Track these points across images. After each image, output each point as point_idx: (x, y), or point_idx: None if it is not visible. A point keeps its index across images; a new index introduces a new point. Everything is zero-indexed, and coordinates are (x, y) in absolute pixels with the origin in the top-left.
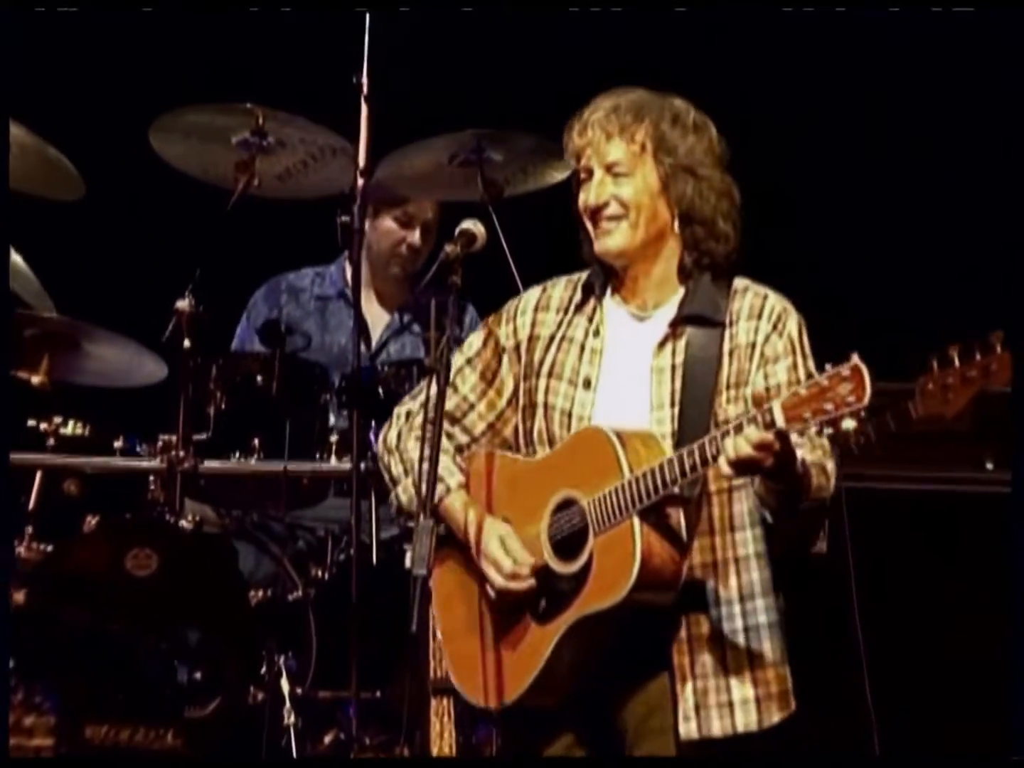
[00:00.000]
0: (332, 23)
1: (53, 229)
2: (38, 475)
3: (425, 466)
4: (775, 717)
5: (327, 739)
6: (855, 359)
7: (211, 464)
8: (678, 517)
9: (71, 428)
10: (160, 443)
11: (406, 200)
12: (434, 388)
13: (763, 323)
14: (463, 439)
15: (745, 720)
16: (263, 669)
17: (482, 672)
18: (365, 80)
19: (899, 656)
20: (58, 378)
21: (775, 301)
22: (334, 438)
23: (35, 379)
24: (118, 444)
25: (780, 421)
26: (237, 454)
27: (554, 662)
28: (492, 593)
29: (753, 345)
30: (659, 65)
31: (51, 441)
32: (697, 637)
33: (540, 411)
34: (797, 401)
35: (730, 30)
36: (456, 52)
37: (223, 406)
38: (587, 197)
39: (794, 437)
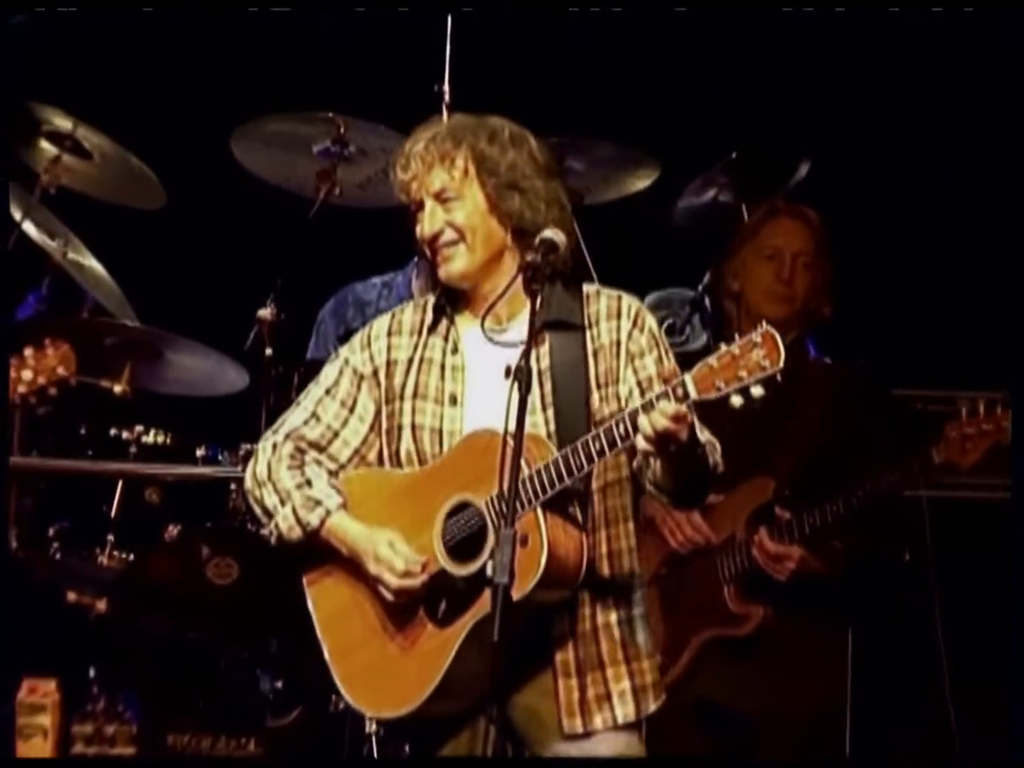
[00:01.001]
0: (414, 30)
1: (135, 238)
2: (120, 484)
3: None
4: (651, 706)
5: (407, 747)
6: (765, 325)
7: None
8: (575, 511)
9: (153, 437)
10: (242, 451)
11: None
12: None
13: (623, 321)
14: (331, 466)
15: (624, 711)
16: None
17: (382, 682)
18: (447, 87)
19: (981, 664)
20: (140, 387)
21: (630, 300)
22: None
23: (117, 388)
24: (200, 453)
25: (693, 393)
26: None
27: (457, 665)
28: (388, 597)
29: (618, 343)
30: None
31: (133, 449)
32: (581, 633)
33: (407, 432)
34: (707, 372)
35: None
36: (538, 59)
37: None
38: (422, 229)
39: None
